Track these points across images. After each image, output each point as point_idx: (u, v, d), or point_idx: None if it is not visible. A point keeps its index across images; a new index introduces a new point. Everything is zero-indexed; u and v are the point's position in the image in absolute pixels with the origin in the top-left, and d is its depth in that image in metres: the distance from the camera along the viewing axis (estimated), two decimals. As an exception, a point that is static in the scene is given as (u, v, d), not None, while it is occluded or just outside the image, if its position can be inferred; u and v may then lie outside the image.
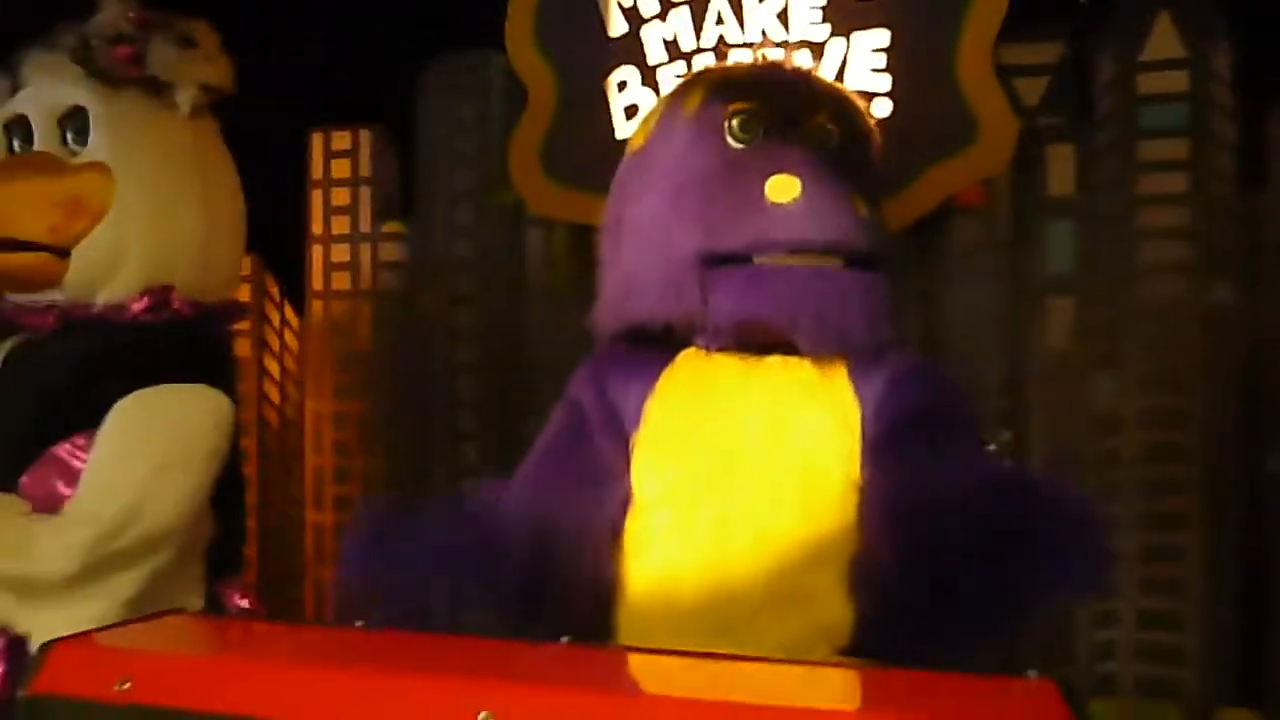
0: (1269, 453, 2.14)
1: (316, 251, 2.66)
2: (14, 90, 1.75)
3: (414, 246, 2.62)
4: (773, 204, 1.47)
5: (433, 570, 1.37)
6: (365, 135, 2.62)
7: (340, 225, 2.65)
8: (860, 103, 1.73)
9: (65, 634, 0.96)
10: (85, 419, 1.57)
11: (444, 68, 2.53)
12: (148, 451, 1.56)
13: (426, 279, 2.57)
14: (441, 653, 0.92)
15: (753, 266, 1.48)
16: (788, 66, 1.78)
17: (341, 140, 2.64)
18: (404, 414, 2.57)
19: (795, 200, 1.47)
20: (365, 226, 2.65)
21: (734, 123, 1.55)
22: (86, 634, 0.93)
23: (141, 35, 1.66)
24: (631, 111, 2.20)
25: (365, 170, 2.64)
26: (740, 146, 1.54)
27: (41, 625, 1.46)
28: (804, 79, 1.67)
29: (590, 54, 2.23)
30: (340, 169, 2.64)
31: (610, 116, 2.22)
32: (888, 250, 1.55)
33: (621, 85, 2.22)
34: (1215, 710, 2.03)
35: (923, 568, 1.23)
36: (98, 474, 1.56)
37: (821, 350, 1.49)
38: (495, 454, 2.50)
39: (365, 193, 2.64)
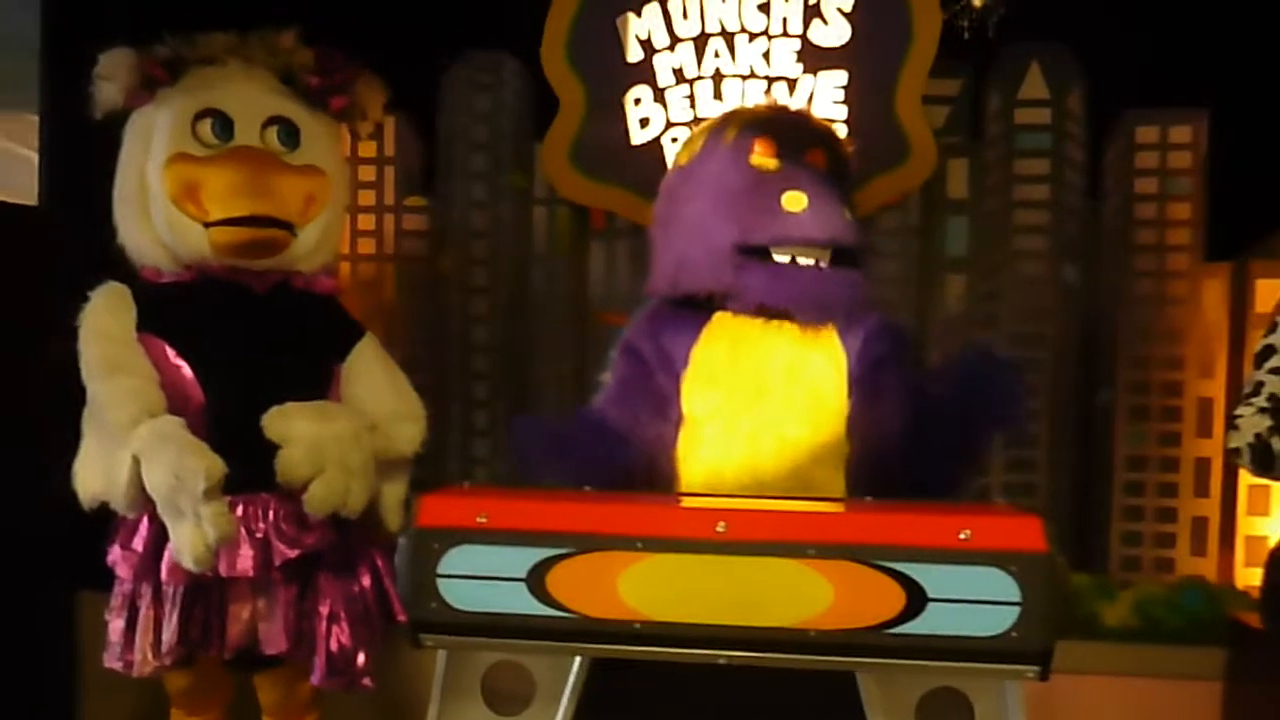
0: (1098, 392, 2.90)
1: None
2: (167, 82, 2.10)
3: (434, 218, 3.03)
4: (788, 212, 2.05)
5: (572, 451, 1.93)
6: (390, 120, 2.98)
7: (366, 198, 3.05)
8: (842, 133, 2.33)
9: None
10: (344, 351, 2.14)
11: (464, 65, 2.93)
12: (400, 374, 2.17)
13: (445, 245, 2.99)
14: (668, 498, 1.49)
15: (775, 265, 2.04)
16: (794, 109, 2.35)
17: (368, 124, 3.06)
18: (424, 357, 2.99)
19: (804, 210, 2.05)
20: (389, 200, 3.06)
21: (758, 151, 2.13)
22: (442, 490, 1.47)
23: (345, 74, 2.13)
24: (645, 123, 2.74)
25: (389, 150, 3.04)
26: (762, 169, 2.13)
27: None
28: (806, 118, 2.26)
29: (612, 73, 2.72)
30: (366, 149, 3.02)
31: (627, 125, 2.74)
32: (864, 243, 2.17)
33: (637, 101, 2.74)
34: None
35: (910, 440, 1.83)
36: (396, 386, 2.15)
37: (812, 325, 2.09)
38: (504, 391, 3.01)
39: (389, 170, 3.05)
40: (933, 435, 1.81)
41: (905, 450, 1.87)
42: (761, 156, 2.10)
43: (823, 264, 2.08)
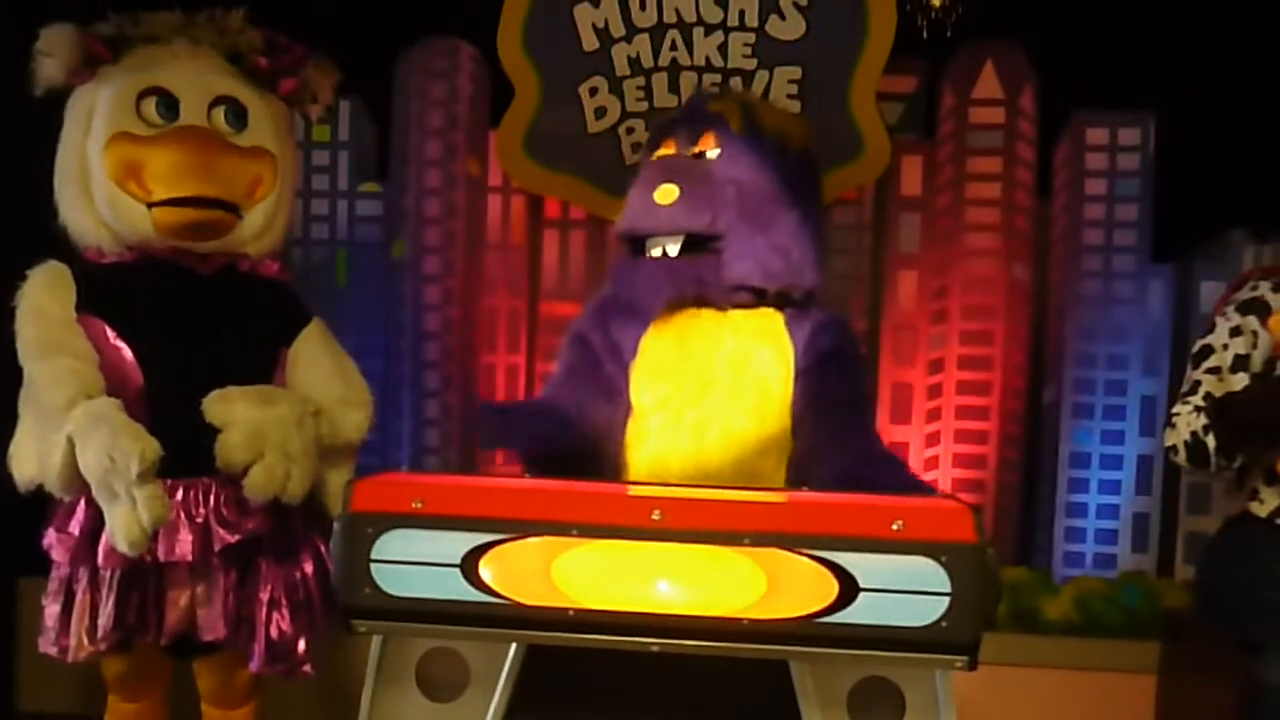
0: (1044, 389, 2.94)
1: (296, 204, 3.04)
2: (110, 60, 2.06)
3: (387, 203, 3.01)
4: (658, 205, 2.07)
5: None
6: (344, 105, 2.97)
7: (319, 183, 3.03)
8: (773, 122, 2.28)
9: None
10: (290, 336, 2.11)
11: (419, 51, 2.91)
12: (347, 360, 2.13)
13: (398, 231, 2.97)
14: (604, 485, 1.49)
15: (624, 260, 2.13)
16: (709, 103, 2.25)
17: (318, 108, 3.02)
18: (376, 344, 2.96)
19: (674, 202, 2.06)
20: (342, 185, 3.03)
21: (656, 145, 2.17)
22: (377, 474, 1.45)
23: (295, 56, 2.10)
24: (600, 112, 2.74)
25: (343, 135, 3.02)
26: (659, 160, 2.15)
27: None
28: (703, 102, 2.24)
29: (568, 63, 2.72)
30: (320, 134, 2.99)
31: (583, 115, 2.74)
32: (714, 224, 2.07)
33: (593, 91, 2.74)
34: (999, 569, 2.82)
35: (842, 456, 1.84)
36: (343, 371, 2.12)
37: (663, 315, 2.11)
38: (454, 380, 3.00)
39: (343, 155, 3.03)
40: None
41: (847, 450, 1.89)
42: (662, 152, 2.14)
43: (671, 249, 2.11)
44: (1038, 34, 2.79)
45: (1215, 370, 2.08)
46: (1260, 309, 2.05)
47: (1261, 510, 2.05)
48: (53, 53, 2.04)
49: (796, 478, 2.02)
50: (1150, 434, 2.81)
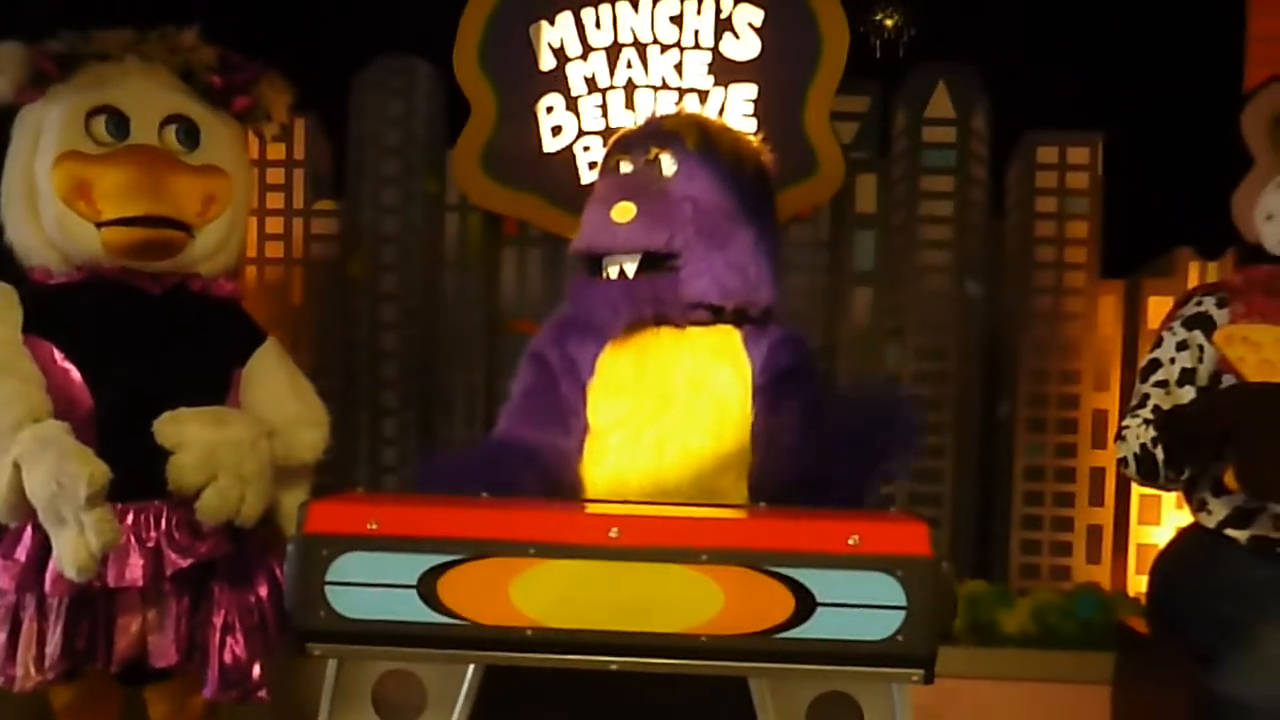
0: (999, 404, 2.98)
1: (250, 223, 3.01)
2: (59, 77, 2.04)
3: (344, 222, 2.99)
4: (615, 223, 2.06)
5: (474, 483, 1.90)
6: (300, 123, 2.93)
7: (274, 201, 3.00)
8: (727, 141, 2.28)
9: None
10: (244, 356, 2.10)
11: (377, 69, 2.91)
12: (302, 380, 2.13)
13: (355, 249, 2.96)
14: (559, 504, 1.48)
15: (579, 280, 2.11)
16: (665, 122, 2.22)
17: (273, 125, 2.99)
18: (332, 363, 2.95)
19: (631, 220, 2.04)
20: (298, 203, 3.00)
21: (612, 163, 2.16)
22: (332, 496, 1.44)
23: (249, 73, 2.09)
24: (556, 131, 2.74)
25: (299, 153, 2.99)
26: (615, 178, 2.14)
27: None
28: (658, 123, 2.22)
29: (524, 81, 2.72)
30: (275, 151, 2.95)
31: (539, 133, 2.74)
32: (672, 241, 2.03)
33: (549, 109, 2.74)
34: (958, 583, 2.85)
35: (800, 472, 1.87)
36: (298, 391, 2.11)
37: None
38: (412, 399, 2.97)
39: (298, 173, 3.00)
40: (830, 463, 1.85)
41: (805, 466, 1.89)
42: (617, 169, 2.14)
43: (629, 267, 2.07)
44: (990, 56, 2.84)
45: (1163, 384, 2.11)
46: (1205, 324, 2.09)
47: (1210, 521, 2.08)
48: (0, 70, 2.01)
49: (755, 493, 2.02)
50: (1102, 446, 2.86)
